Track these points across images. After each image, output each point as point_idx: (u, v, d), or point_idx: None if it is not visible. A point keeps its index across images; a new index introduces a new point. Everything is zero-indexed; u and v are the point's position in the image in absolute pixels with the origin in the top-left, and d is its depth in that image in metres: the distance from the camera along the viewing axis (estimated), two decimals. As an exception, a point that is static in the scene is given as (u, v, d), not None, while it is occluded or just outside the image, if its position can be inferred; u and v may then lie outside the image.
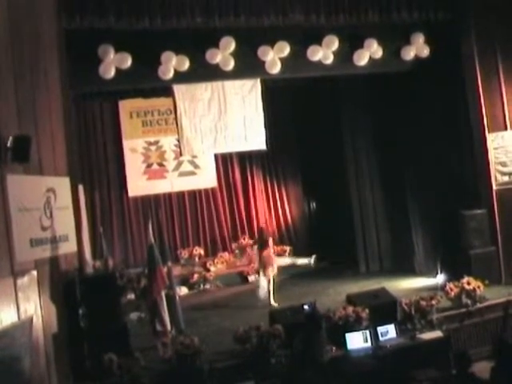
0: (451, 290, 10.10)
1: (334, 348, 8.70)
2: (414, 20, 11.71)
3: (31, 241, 7.24)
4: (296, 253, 16.41)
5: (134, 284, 11.76)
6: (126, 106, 16.01)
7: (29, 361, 6.39)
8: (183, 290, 14.15)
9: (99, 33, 10.19)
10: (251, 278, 15.23)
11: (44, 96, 8.31)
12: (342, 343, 8.74)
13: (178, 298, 10.40)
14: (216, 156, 16.37)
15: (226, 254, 16.33)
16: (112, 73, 10.50)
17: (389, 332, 9.00)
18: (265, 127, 13.02)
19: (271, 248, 12.70)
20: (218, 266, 15.73)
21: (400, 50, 12.00)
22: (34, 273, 7.17)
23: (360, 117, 14.82)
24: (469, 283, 10.07)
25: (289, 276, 14.72)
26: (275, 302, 11.94)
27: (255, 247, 13.04)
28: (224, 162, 17.17)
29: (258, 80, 12.62)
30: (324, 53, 11.48)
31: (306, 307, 9.50)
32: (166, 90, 12.90)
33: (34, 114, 7.81)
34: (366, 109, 14.71)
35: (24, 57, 7.66)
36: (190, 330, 9.71)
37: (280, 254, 13.93)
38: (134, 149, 16.19)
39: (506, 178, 11.73)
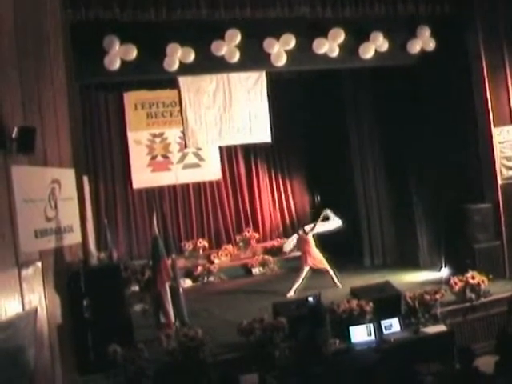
0: (455, 284, 10.09)
1: (337, 341, 8.71)
2: (420, 13, 11.69)
3: (36, 232, 7.25)
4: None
5: (139, 276, 11.75)
6: (130, 98, 16.01)
7: (33, 351, 6.41)
8: (187, 282, 14.21)
9: (104, 24, 10.21)
10: (255, 271, 15.28)
11: (49, 87, 8.30)
12: (346, 336, 8.76)
13: (181, 290, 10.40)
14: (221, 148, 16.40)
15: (230, 247, 16.35)
16: (117, 64, 10.50)
17: (393, 326, 9.00)
18: (270, 120, 13.00)
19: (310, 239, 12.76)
20: (221, 259, 15.78)
21: (406, 43, 11.97)
22: (39, 264, 7.18)
23: (365, 110, 14.82)
24: (473, 277, 10.05)
25: (292, 268, 14.71)
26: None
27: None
28: (229, 154, 17.15)
29: (264, 72, 12.60)
30: (330, 45, 11.45)
31: (310, 299, 9.51)
32: (171, 82, 12.89)
33: (39, 105, 7.81)
34: (370, 102, 14.70)
35: (29, 48, 7.65)
36: (194, 322, 9.72)
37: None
38: (138, 141, 16.18)
39: (511, 173, 11.70)
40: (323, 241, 15.52)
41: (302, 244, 12.82)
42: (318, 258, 12.54)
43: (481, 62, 11.78)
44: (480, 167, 12.07)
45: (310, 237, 12.70)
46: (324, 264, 12.50)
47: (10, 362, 5.88)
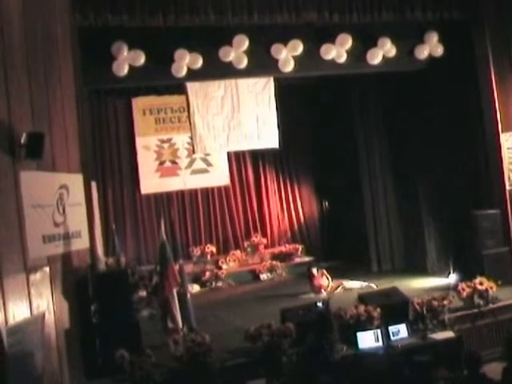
0: (463, 290, 10.04)
1: (344, 347, 8.69)
2: (428, 19, 11.68)
3: (44, 237, 7.27)
4: (308, 251, 16.43)
5: (146, 281, 11.78)
6: (139, 104, 16.02)
7: (41, 356, 6.44)
8: (195, 288, 14.19)
9: (113, 30, 10.27)
10: (263, 276, 15.26)
11: (57, 93, 8.35)
12: (353, 342, 8.73)
13: (189, 295, 10.39)
14: (229, 154, 16.40)
15: (238, 252, 16.30)
16: (125, 70, 10.55)
17: (400, 332, 8.96)
18: (278, 126, 13.03)
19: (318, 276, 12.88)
20: (230, 264, 15.75)
21: (414, 48, 11.97)
22: (47, 269, 7.21)
23: (372, 116, 14.81)
24: (481, 283, 10.01)
25: (299, 274, 14.73)
26: None
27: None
28: (237, 159, 17.15)
29: (271, 78, 12.66)
30: (337, 51, 11.47)
31: (319, 304, 9.49)
32: (179, 88, 12.97)
33: (47, 111, 7.86)
34: (378, 108, 14.70)
35: (38, 54, 7.70)
36: (202, 328, 9.67)
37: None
38: (146, 146, 16.19)
39: (519, 178, 11.68)
40: (331, 245, 15.67)
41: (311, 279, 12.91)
42: (329, 287, 12.68)
43: (489, 67, 11.76)
44: (488, 173, 12.05)
45: (314, 271, 12.92)
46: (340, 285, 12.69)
47: (18, 366, 5.91)
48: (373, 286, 12.52)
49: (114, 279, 9.10)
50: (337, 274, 13.41)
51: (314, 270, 12.93)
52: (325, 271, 13.02)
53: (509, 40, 11.69)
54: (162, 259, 10.06)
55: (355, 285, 12.82)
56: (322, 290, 12.54)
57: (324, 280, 12.78)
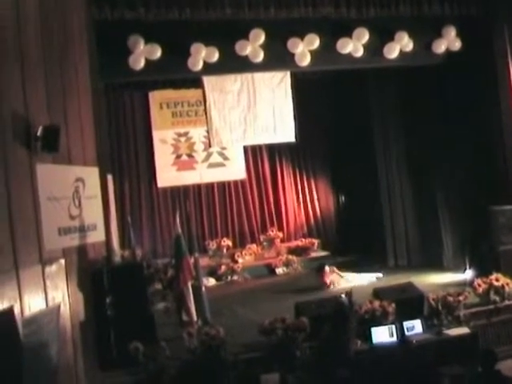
0: (479, 286, 9.99)
1: (359, 342, 8.68)
2: (446, 13, 11.61)
3: (59, 229, 7.29)
4: (324, 246, 16.42)
5: (161, 274, 11.81)
6: (156, 97, 16.10)
7: (56, 347, 6.46)
8: (211, 281, 14.23)
9: (129, 24, 10.31)
10: (279, 270, 15.25)
11: (73, 86, 8.38)
12: (368, 337, 8.73)
13: (204, 288, 10.42)
14: (245, 148, 16.44)
15: (254, 246, 16.32)
16: (141, 64, 10.58)
17: (415, 327, 8.95)
18: (294, 119, 13.00)
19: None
20: (245, 258, 15.76)
21: (431, 43, 11.91)
22: (62, 261, 7.24)
23: (390, 111, 14.70)
24: (497, 280, 9.96)
25: (315, 269, 14.70)
26: None
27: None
28: (253, 153, 17.19)
29: (288, 72, 12.62)
30: (354, 45, 11.43)
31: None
32: (195, 82, 12.97)
33: (63, 103, 7.88)
34: (395, 103, 14.58)
35: (54, 48, 7.72)
36: (216, 321, 9.72)
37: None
38: (163, 140, 16.27)
39: (537, 174, 11.58)
40: (347, 240, 15.62)
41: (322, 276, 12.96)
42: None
43: (507, 61, 11.65)
44: (505, 168, 11.95)
45: (326, 268, 12.96)
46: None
47: (33, 357, 5.95)
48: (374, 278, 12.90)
49: (130, 272, 9.14)
50: (353, 268, 13.38)
51: (327, 268, 12.90)
52: (335, 269, 13.08)
53: (527, 35, 11.59)
54: (176, 252, 10.12)
55: (362, 280, 12.91)
56: (331, 286, 12.59)
57: (334, 276, 12.79)
